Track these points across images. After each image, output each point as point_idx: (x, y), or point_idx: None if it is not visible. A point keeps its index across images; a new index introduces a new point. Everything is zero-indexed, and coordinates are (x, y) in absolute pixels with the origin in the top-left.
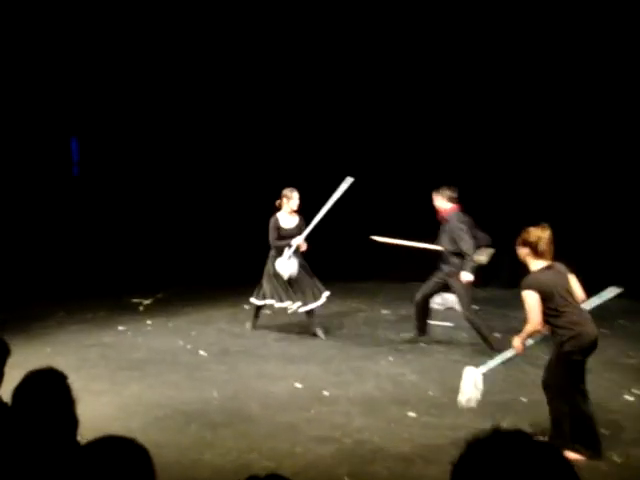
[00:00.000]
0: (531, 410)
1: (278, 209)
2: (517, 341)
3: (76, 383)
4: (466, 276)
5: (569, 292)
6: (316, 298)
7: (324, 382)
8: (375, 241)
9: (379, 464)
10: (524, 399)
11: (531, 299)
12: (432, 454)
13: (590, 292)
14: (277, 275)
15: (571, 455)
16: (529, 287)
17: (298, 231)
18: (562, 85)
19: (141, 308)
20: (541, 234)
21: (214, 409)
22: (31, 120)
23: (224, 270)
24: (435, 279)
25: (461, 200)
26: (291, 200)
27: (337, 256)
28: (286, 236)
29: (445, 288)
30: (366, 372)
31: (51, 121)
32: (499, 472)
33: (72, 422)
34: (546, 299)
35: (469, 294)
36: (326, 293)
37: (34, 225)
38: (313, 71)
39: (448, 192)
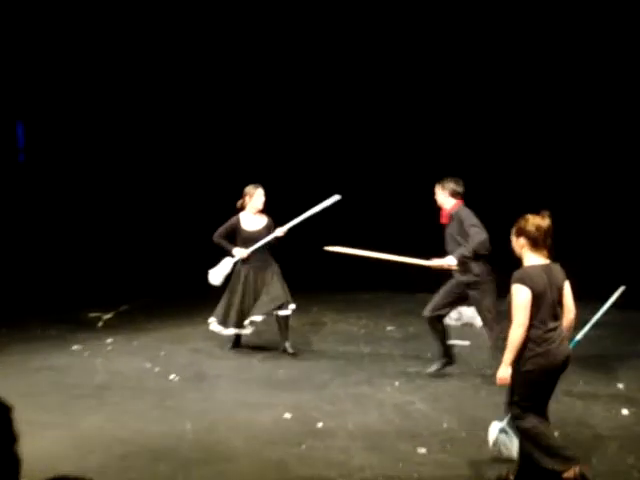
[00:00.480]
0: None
1: (240, 210)
2: (503, 371)
3: (22, 414)
4: (450, 259)
5: (558, 303)
6: (277, 306)
7: (318, 412)
8: (330, 252)
9: None
10: (557, 432)
11: (522, 295)
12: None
13: (588, 295)
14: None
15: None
16: (522, 281)
17: (266, 233)
18: (563, 83)
19: (100, 324)
20: (541, 223)
21: (188, 445)
22: None
23: (200, 279)
24: (448, 289)
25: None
26: (253, 197)
27: (338, 264)
28: (248, 239)
29: (461, 300)
30: (368, 400)
31: None
32: None
33: (13, 462)
34: (535, 303)
35: (493, 308)
36: (292, 306)
37: None
38: (299, 70)
39: (452, 185)
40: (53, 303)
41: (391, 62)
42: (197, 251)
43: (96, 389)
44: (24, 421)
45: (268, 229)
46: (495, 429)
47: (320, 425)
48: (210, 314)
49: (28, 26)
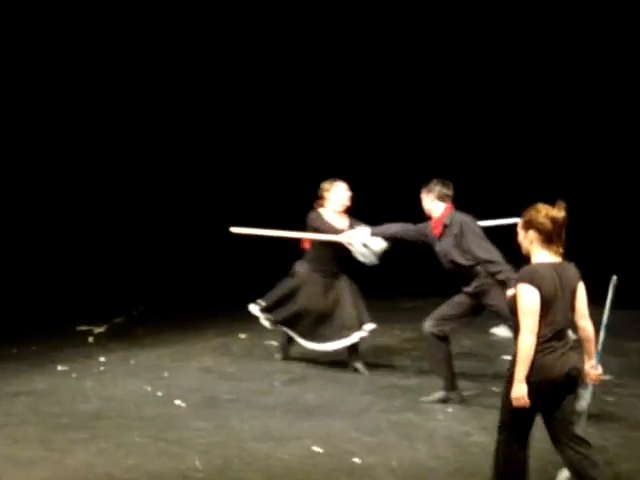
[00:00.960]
0: None
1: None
2: (518, 389)
3: None
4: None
5: (568, 307)
6: (351, 329)
7: (354, 445)
8: (236, 234)
9: None
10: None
11: (530, 297)
12: None
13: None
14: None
15: None
16: (530, 281)
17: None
18: (559, 76)
19: (90, 339)
20: (556, 215)
21: None
22: None
23: (210, 286)
24: (459, 300)
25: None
26: (334, 196)
27: (378, 267)
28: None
29: (475, 313)
30: (415, 430)
31: None
32: None
33: None
34: (544, 307)
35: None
36: (370, 325)
37: None
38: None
39: (439, 187)
40: (34, 315)
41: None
42: (201, 255)
43: (86, 418)
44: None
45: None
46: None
47: (357, 461)
48: (220, 326)
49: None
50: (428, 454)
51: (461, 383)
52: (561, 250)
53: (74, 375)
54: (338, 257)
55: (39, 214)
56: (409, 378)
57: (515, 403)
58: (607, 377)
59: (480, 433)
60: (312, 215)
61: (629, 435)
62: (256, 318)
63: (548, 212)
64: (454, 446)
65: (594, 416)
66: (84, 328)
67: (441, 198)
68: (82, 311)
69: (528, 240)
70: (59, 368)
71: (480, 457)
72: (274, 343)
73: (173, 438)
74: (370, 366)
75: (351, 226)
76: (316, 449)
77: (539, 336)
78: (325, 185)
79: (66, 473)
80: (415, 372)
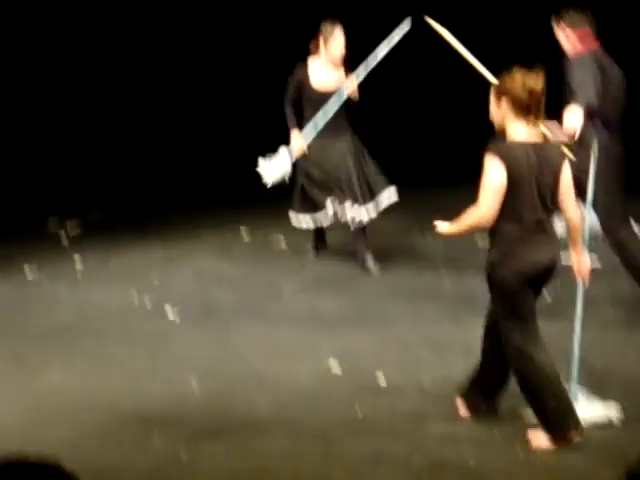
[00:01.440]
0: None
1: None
2: (445, 226)
3: None
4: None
5: (550, 193)
6: (372, 198)
7: (378, 362)
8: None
9: None
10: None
11: (494, 174)
12: None
13: None
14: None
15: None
16: (498, 155)
17: (325, 98)
18: None
19: (65, 241)
20: (533, 83)
21: (193, 410)
22: None
23: (204, 175)
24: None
25: None
26: (331, 41)
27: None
28: (318, 102)
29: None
30: (451, 345)
31: None
32: None
33: None
34: (511, 188)
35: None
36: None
37: None
38: None
39: (577, 18)
40: None
41: None
42: (194, 140)
43: (61, 331)
44: None
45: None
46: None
47: (382, 381)
48: (217, 221)
49: None
50: (466, 373)
51: None
52: (539, 124)
53: (46, 282)
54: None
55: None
56: (443, 285)
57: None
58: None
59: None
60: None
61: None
62: (262, 211)
63: (525, 81)
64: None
65: None
66: (57, 226)
67: (578, 35)
68: (54, 207)
69: (500, 113)
70: (28, 276)
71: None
72: (282, 243)
73: (165, 355)
74: (396, 271)
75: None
76: (334, 367)
77: (511, 223)
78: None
79: (38, 397)
80: (451, 279)
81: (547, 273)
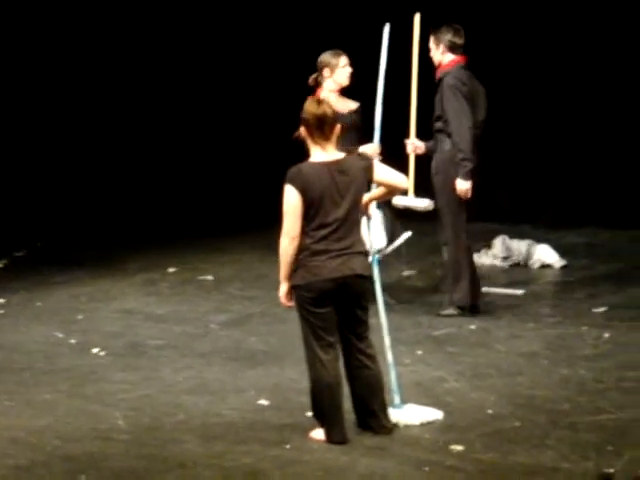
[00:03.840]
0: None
1: (315, 90)
2: (281, 289)
3: None
4: (460, 183)
5: (349, 208)
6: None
7: (307, 397)
8: None
9: None
10: None
11: (289, 199)
12: None
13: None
14: None
15: (315, 435)
16: (290, 181)
17: (357, 122)
18: None
19: None
20: (315, 110)
21: (119, 449)
22: None
23: (129, 214)
24: None
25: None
26: (337, 70)
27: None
28: (342, 128)
29: None
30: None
31: None
32: None
33: None
34: (309, 207)
35: (457, 210)
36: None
37: None
38: None
39: (448, 35)
40: None
41: None
42: (121, 178)
43: None
44: None
45: (357, 119)
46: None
47: (310, 415)
48: (144, 259)
49: None
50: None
51: (432, 321)
52: (328, 146)
53: None
54: None
55: None
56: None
57: (283, 303)
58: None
59: (455, 379)
60: None
61: None
62: (187, 248)
63: (309, 107)
64: (425, 394)
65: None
66: None
67: (450, 48)
68: None
69: (305, 137)
70: None
71: (455, 407)
72: (209, 278)
73: (91, 393)
74: None
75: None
76: (263, 402)
77: (309, 237)
78: (326, 58)
79: None
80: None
81: (342, 287)
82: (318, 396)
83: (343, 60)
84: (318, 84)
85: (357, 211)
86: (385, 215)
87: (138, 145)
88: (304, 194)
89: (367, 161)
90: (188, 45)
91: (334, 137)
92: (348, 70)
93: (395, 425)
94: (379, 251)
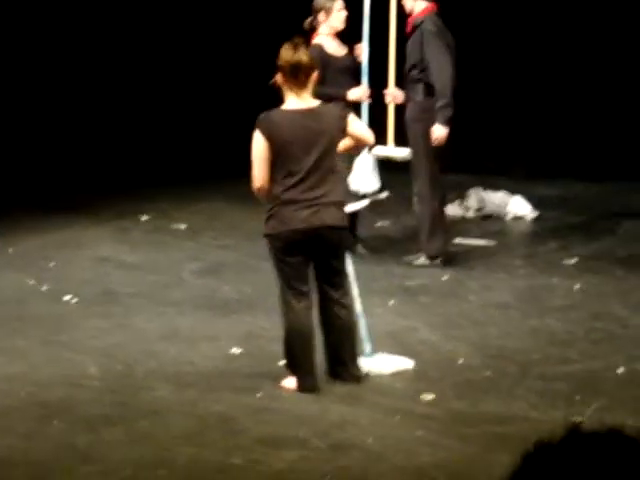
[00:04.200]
0: (632, 388)
1: (310, 35)
2: None
3: None
4: (438, 129)
5: (323, 156)
6: None
7: (279, 345)
8: None
9: None
10: (621, 369)
11: (256, 145)
12: (464, 466)
13: None
14: None
15: (286, 384)
16: (258, 128)
17: (352, 66)
18: None
19: None
20: (289, 55)
21: (92, 395)
22: None
23: (101, 161)
24: None
25: None
26: (333, 14)
27: None
28: (344, 70)
29: None
30: None
31: None
32: None
33: None
34: (277, 155)
35: (432, 160)
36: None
37: None
38: None
39: None
40: None
41: None
42: (94, 122)
43: None
44: None
45: (353, 62)
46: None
47: (282, 364)
48: (117, 206)
49: None
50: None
51: (405, 271)
52: (303, 94)
53: None
54: None
55: None
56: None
57: None
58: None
59: (427, 328)
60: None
61: None
62: (161, 196)
63: (284, 53)
64: (396, 344)
65: None
66: None
67: None
68: None
69: (281, 84)
70: None
71: (427, 356)
72: (181, 227)
73: (64, 340)
74: None
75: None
76: (235, 351)
77: (279, 185)
78: (321, 2)
79: None
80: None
81: (314, 239)
82: (290, 344)
83: (338, 4)
84: (313, 28)
85: (331, 160)
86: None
87: (113, 91)
88: (271, 140)
89: (344, 111)
90: None
91: (310, 84)
92: (343, 14)
93: (366, 375)
94: (372, 194)
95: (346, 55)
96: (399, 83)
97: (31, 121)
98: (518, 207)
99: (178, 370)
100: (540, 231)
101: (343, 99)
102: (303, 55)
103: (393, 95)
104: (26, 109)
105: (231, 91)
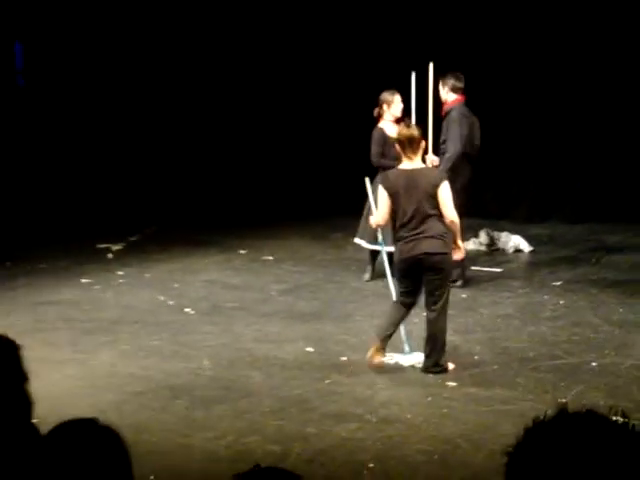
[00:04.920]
0: (603, 377)
1: (377, 120)
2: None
3: (29, 351)
4: (441, 167)
5: (423, 205)
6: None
7: (342, 345)
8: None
9: (412, 447)
10: (594, 363)
11: (379, 193)
12: (479, 435)
13: None
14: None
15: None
16: (381, 182)
17: None
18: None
19: (110, 255)
20: (403, 131)
21: (205, 381)
22: None
23: (212, 207)
24: None
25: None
26: (393, 105)
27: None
28: (394, 151)
29: None
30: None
31: None
32: (566, 466)
33: (24, 402)
34: (392, 202)
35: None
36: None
37: None
38: None
39: (452, 80)
40: (59, 234)
41: None
42: (206, 179)
43: (108, 324)
44: (33, 359)
45: None
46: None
47: (344, 359)
48: (222, 243)
49: None
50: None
51: None
52: (415, 158)
53: (96, 287)
54: None
55: (66, 144)
56: (388, 287)
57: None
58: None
59: (451, 334)
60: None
61: None
62: (255, 235)
63: (402, 130)
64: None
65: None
66: (104, 246)
67: (453, 89)
68: (101, 230)
69: (398, 151)
70: (83, 280)
71: (451, 354)
72: (270, 258)
73: (184, 341)
74: (354, 277)
75: None
76: (309, 349)
77: (397, 225)
78: (385, 96)
79: (93, 372)
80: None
81: (416, 264)
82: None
83: (397, 98)
84: (380, 115)
85: (429, 208)
86: None
87: (222, 145)
88: (388, 191)
89: (440, 177)
90: (290, 50)
91: (419, 151)
92: (401, 106)
93: (412, 367)
94: None
95: None
96: (436, 151)
97: (160, 175)
98: (518, 243)
99: (267, 363)
100: (535, 261)
101: None
102: (414, 131)
103: (431, 159)
104: (153, 161)
105: (317, 156)
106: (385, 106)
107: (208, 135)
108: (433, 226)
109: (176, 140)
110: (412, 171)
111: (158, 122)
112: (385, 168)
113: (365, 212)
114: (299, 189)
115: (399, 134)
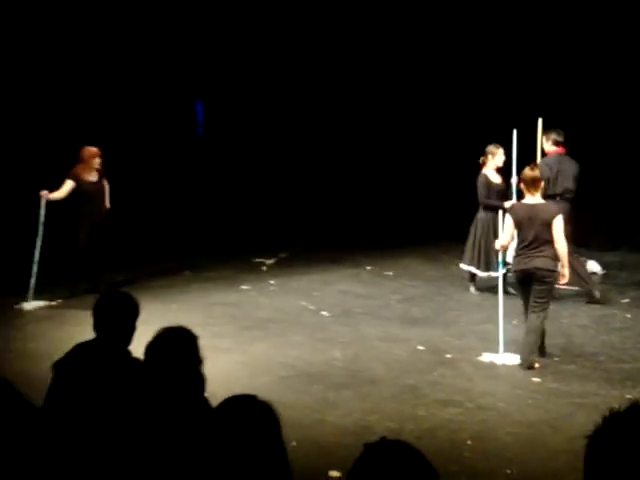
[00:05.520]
0: None
1: (481, 166)
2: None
3: (202, 340)
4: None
5: (541, 232)
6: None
7: (447, 345)
8: None
9: (503, 429)
10: None
11: (507, 221)
12: (558, 422)
13: None
14: (482, 240)
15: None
16: (509, 211)
17: (504, 189)
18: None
19: (264, 268)
20: (527, 172)
21: (337, 370)
22: (158, 84)
23: (344, 230)
24: None
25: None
26: (496, 156)
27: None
28: (499, 192)
29: None
30: (489, 336)
31: (177, 84)
32: (638, 449)
33: (200, 380)
34: (516, 227)
35: None
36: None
37: (162, 184)
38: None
39: (553, 135)
40: (227, 251)
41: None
42: (342, 207)
43: (262, 322)
44: (205, 347)
45: (505, 187)
46: None
47: (448, 356)
48: (351, 260)
49: (205, 14)
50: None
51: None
52: (536, 194)
53: (253, 292)
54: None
55: (237, 181)
56: (485, 298)
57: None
58: None
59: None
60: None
61: None
62: (378, 254)
63: (527, 171)
64: (517, 347)
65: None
66: (260, 260)
67: (555, 143)
68: (258, 248)
69: (523, 188)
70: (243, 287)
71: (535, 355)
72: (390, 273)
73: (321, 337)
74: (462, 290)
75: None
76: (420, 347)
77: (519, 244)
78: (491, 148)
79: (252, 359)
80: (493, 295)
81: (528, 276)
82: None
83: (500, 151)
84: (484, 163)
85: (545, 235)
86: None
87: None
88: (513, 219)
89: (555, 212)
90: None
91: (539, 189)
92: (503, 158)
93: (503, 365)
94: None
95: (502, 182)
96: None
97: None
98: (593, 267)
99: (387, 357)
100: (606, 282)
101: (502, 207)
102: (537, 172)
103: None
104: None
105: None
106: (490, 156)
107: (351, 173)
108: (546, 249)
109: (322, 174)
110: (534, 205)
111: (308, 158)
112: (491, 207)
113: (471, 241)
114: (416, 218)
115: (525, 175)
